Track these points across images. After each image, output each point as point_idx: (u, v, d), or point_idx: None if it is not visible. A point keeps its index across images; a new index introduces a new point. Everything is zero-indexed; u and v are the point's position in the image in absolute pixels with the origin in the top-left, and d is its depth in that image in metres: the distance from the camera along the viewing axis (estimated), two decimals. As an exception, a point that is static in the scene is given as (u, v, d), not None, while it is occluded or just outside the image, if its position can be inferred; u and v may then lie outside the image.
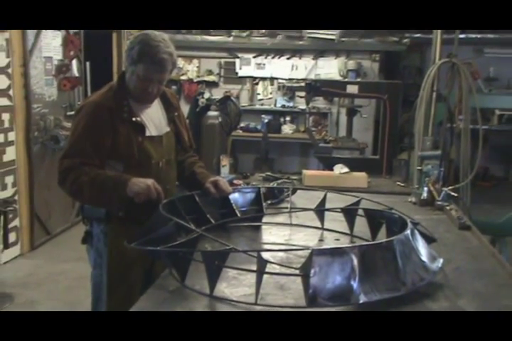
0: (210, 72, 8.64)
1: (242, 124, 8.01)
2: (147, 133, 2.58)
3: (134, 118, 2.54)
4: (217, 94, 8.23)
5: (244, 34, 8.14)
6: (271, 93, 8.62)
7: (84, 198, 2.56)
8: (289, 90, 8.41)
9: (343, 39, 7.93)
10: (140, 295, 2.01)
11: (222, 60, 8.64)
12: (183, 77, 8.59)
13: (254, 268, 1.84)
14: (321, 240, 2.67)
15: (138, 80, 2.50)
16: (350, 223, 2.70)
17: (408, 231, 2.10)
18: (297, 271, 1.87)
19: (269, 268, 1.87)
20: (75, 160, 2.45)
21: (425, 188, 3.42)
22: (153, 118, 2.64)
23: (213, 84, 8.67)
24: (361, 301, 1.80)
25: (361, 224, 2.67)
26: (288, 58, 8.42)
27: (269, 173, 4.18)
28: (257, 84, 8.65)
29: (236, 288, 1.99)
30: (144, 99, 2.60)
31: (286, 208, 3.02)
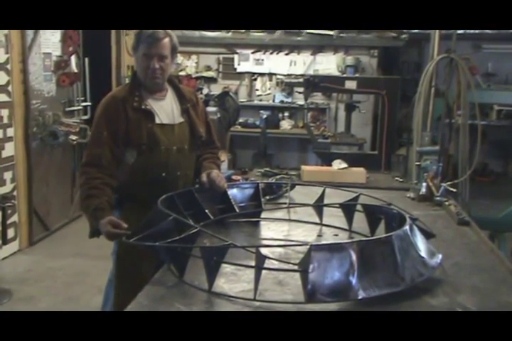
0: (208, 68, 8.61)
1: (240, 120, 7.98)
2: (157, 121, 2.72)
3: (143, 106, 2.70)
4: (216, 89, 8.25)
5: (243, 30, 8.09)
6: (269, 88, 8.60)
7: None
8: (287, 86, 8.37)
9: (342, 35, 7.90)
10: None
11: (221, 56, 8.61)
12: (182, 73, 8.55)
13: (253, 263, 1.84)
14: (319, 236, 2.67)
15: (141, 61, 2.67)
16: (349, 218, 2.71)
17: (407, 227, 2.10)
18: (296, 267, 1.87)
19: (267, 263, 1.87)
20: (95, 151, 2.64)
21: (424, 184, 3.42)
22: (166, 109, 2.79)
23: (212, 80, 8.65)
24: (360, 297, 1.80)
25: (360, 220, 2.67)
26: (286, 54, 8.38)
27: (267, 169, 4.18)
28: (255, 79, 8.62)
29: (235, 284, 2.00)
30: (150, 82, 2.71)
31: (285, 204, 3.02)
